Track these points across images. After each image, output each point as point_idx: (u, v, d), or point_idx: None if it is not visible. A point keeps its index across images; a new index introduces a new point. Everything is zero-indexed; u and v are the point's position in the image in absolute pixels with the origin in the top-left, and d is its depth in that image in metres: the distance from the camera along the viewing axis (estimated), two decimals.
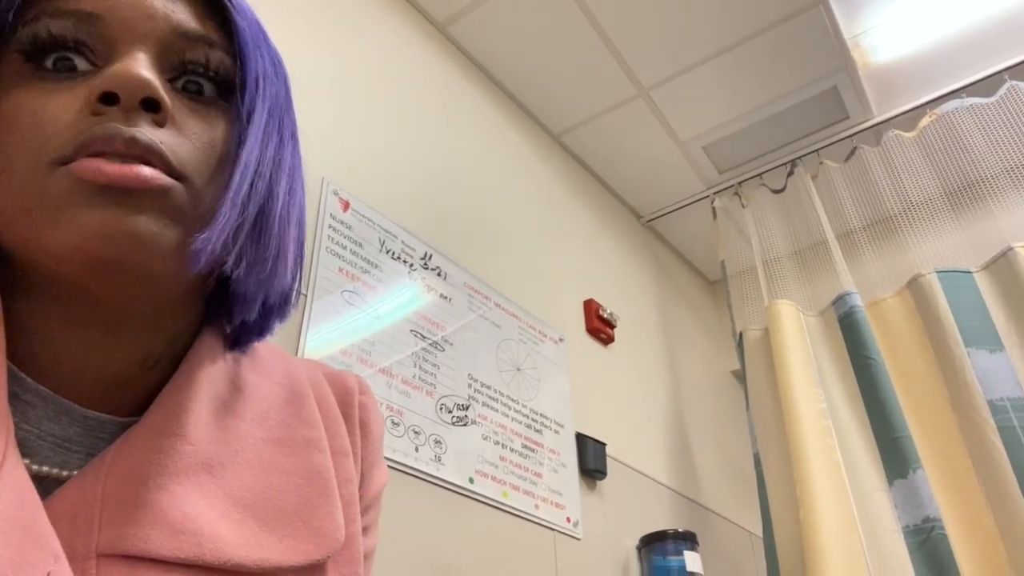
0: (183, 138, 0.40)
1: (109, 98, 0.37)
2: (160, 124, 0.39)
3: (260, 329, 0.47)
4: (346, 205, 1.37)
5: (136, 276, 0.39)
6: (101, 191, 0.36)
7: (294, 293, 0.47)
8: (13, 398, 0.38)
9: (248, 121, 0.42)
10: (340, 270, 1.30)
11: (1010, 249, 1.77)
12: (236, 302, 0.44)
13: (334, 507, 0.45)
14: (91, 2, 0.39)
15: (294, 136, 0.47)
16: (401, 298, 1.41)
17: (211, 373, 0.44)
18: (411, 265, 1.46)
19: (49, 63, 0.39)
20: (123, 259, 0.37)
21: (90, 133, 0.37)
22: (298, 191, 0.47)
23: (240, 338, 0.48)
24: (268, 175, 0.43)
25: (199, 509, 0.38)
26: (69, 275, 0.38)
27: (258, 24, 0.46)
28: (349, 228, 1.36)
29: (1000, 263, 1.79)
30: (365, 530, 0.50)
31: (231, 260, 0.40)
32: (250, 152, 0.42)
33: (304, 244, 0.48)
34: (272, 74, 0.45)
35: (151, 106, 0.38)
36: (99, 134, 0.37)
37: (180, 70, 0.42)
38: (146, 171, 0.37)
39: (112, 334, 0.41)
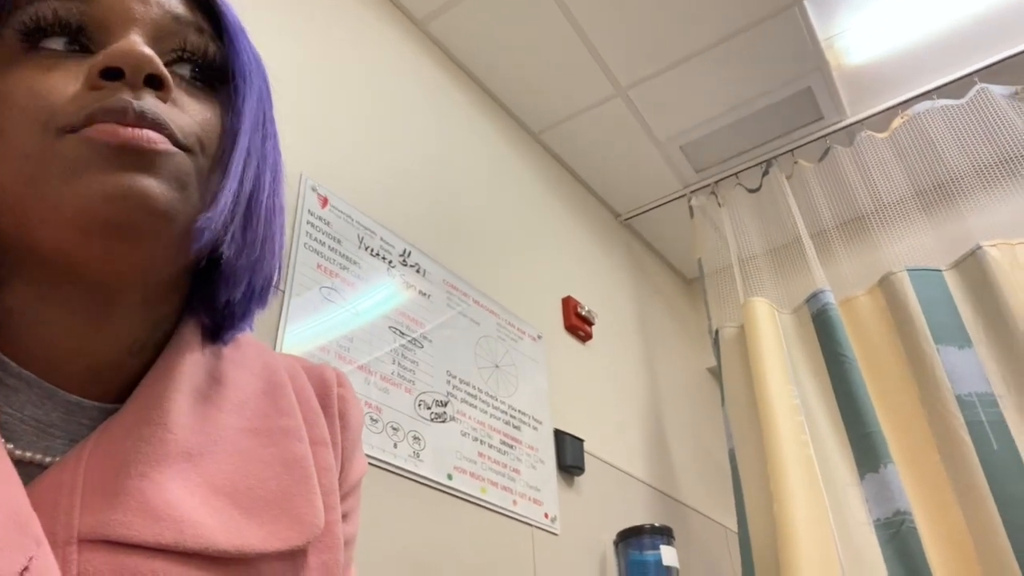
0: (185, 115, 0.41)
1: (112, 73, 0.38)
2: (163, 101, 0.40)
3: (242, 314, 0.48)
4: (324, 201, 1.37)
5: (142, 243, 0.39)
6: (115, 153, 0.37)
7: (275, 280, 0.48)
8: None
9: (239, 111, 0.44)
10: (318, 266, 1.30)
11: (978, 248, 1.81)
12: (223, 282, 0.45)
13: (313, 494, 0.45)
14: None
15: (275, 132, 0.49)
16: (380, 295, 1.41)
17: (191, 363, 0.45)
18: (390, 262, 1.46)
19: (47, 44, 0.40)
20: (133, 223, 0.38)
21: (100, 104, 0.38)
22: (280, 184, 0.48)
23: (222, 324, 0.48)
24: (256, 164, 0.45)
25: (179, 496, 0.39)
26: (72, 244, 0.38)
27: (239, 21, 0.47)
28: (327, 224, 1.36)
29: (969, 261, 1.82)
30: (345, 517, 0.51)
31: (227, 239, 0.42)
32: (243, 140, 0.43)
33: (284, 235, 0.49)
34: (256, 69, 0.47)
35: (154, 83, 0.39)
36: (109, 105, 0.38)
37: (174, 55, 0.43)
38: (155, 135, 0.38)
39: (102, 317, 0.42)
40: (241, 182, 0.43)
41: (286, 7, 1.50)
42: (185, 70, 0.43)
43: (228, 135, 0.43)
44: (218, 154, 0.42)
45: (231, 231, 0.42)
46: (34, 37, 0.40)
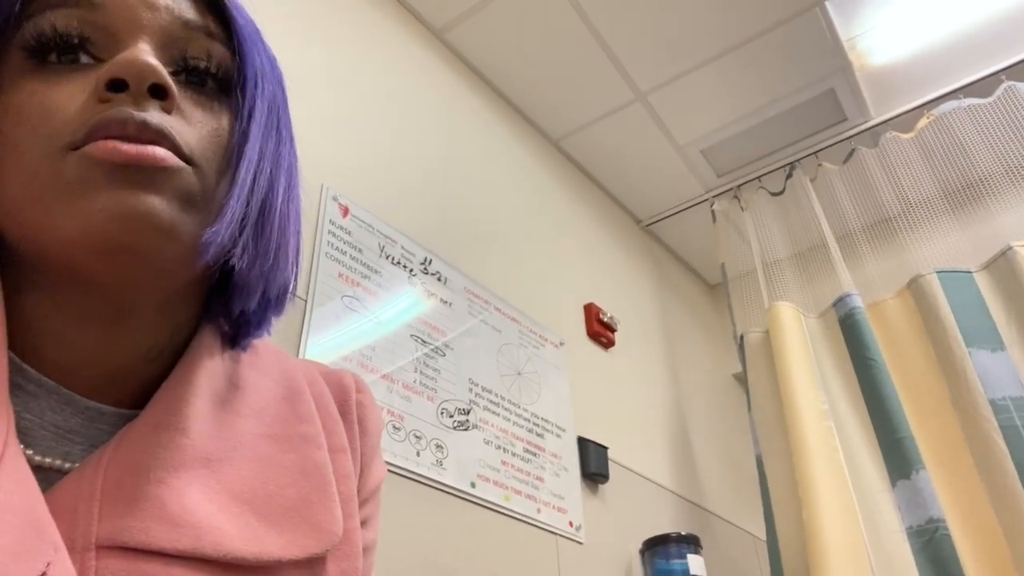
0: (190, 126, 0.41)
1: (117, 85, 0.38)
2: (167, 111, 0.39)
3: (258, 322, 0.48)
4: (345, 211, 1.38)
5: (148, 261, 0.39)
6: (116, 171, 0.37)
7: (292, 287, 0.48)
8: (16, 388, 0.38)
9: (250, 117, 0.43)
10: (340, 275, 1.30)
11: (1009, 248, 1.77)
12: (237, 292, 0.44)
13: (332, 502, 0.45)
14: None
15: (291, 135, 0.48)
16: (401, 303, 1.41)
17: (210, 368, 0.45)
18: (411, 270, 1.47)
19: (53, 57, 0.40)
20: (137, 242, 0.37)
21: (102, 116, 0.37)
22: (296, 188, 0.48)
23: (239, 332, 0.48)
24: (269, 170, 0.44)
25: (198, 503, 0.39)
26: (80, 262, 0.38)
27: (254, 24, 0.47)
28: (349, 234, 1.36)
29: (1000, 262, 1.79)
30: (365, 523, 0.51)
31: (238, 251, 0.41)
32: (253, 147, 0.43)
33: (301, 241, 0.48)
34: (269, 72, 0.46)
35: (159, 93, 0.39)
36: (111, 117, 0.37)
37: (182, 64, 0.42)
38: (159, 151, 0.38)
39: (118, 326, 0.42)
40: (251, 191, 0.42)
41: (305, 19, 1.52)
42: (195, 77, 0.43)
43: (238, 142, 0.42)
44: (226, 163, 0.42)
45: (242, 242, 0.41)
46: (39, 52, 0.39)
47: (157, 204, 0.37)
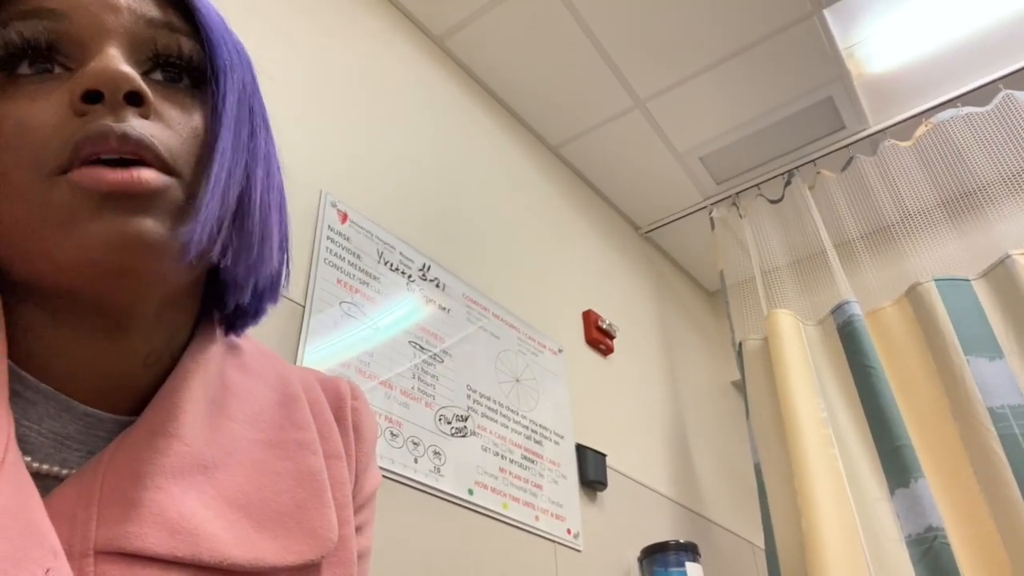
0: (170, 129, 0.40)
1: (92, 96, 0.38)
2: (145, 116, 0.39)
3: (255, 312, 0.48)
4: (344, 217, 1.38)
5: (145, 280, 0.39)
6: (105, 199, 0.36)
7: (283, 275, 0.48)
8: (14, 395, 0.38)
9: (220, 110, 0.42)
10: (339, 282, 1.30)
11: (1008, 256, 1.77)
12: (227, 288, 0.45)
13: (327, 508, 0.45)
14: (55, 0, 0.39)
15: (265, 122, 0.47)
16: (400, 310, 1.41)
17: (205, 374, 0.45)
18: (409, 276, 1.47)
19: (23, 69, 0.39)
20: (133, 265, 0.38)
21: (82, 133, 0.37)
22: (276, 175, 0.47)
23: (236, 323, 0.48)
24: (244, 162, 0.43)
25: (195, 509, 0.39)
26: (78, 286, 0.38)
27: (218, 14, 0.46)
28: (347, 240, 1.36)
29: (998, 271, 1.79)
30: (359, 530, 0.51)
31: (217, 250, 0.41)
32: (225, 141, 0.42)
33: (288, 228, 0.48)
34: (238, 62, 0.45)
35: (134, 100, 0.38)
36: (91, 133, 0.37)
37: (153, 62, 0.42)
38: (145, 174, 0.37)
39: (116, 336, 0.42)
40: (227, 186, 0.41)
41: (304, 25, 1.52)
42: (168, 72, 0.42)
43: (211, 138, 0.42)
44: (204, 162, 0.41)
45: (222, 239, 0.41)
46: (10, 65, 0.39)
47: (150, 226, 0.37)
